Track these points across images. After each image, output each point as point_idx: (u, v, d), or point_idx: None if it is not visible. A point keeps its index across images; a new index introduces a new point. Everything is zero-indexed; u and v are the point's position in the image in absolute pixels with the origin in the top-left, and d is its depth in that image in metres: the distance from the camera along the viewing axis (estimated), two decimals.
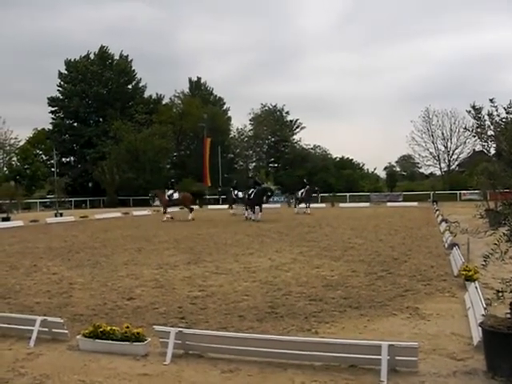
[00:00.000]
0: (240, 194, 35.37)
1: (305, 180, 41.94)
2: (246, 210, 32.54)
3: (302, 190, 38.47)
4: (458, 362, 5.80)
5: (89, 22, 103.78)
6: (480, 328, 5.77)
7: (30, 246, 19.25)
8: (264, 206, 32.01)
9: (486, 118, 5.67)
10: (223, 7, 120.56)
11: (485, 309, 6.44)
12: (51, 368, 5.96)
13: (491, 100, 5.62)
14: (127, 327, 6.47)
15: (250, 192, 31.67)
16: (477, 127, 5.79)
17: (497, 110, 5.60)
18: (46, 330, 6.99)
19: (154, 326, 6.68)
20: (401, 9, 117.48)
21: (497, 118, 5.60)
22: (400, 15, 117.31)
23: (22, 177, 65.31)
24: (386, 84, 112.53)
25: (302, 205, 38.49)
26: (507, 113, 5.56)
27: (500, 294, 5.64)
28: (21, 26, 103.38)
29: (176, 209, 38.16)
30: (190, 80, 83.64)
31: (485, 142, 5.85)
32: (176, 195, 34.09)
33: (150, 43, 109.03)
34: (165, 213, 33.24)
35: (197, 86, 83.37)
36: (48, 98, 74.00)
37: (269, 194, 33.11)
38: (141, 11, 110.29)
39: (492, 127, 5.66)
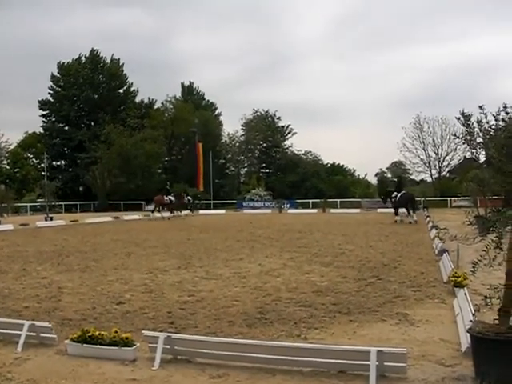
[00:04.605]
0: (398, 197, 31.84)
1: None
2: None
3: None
4: (447, 368, 5.81)
5: (82, 27, 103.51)
6: (468, 334, 5.79)
7: (20, 249, 19.15)
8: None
9: (475, 125, 5.70)
10: (215, 14, 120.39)
11: (473, 315, 6.47)
12: (39, 373, 5.92)
13: (480, 107, 5.65)
14: (116, 332, 6.44)
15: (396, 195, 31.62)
16: (466, 134, 5.82)
17: (486, 117, 5.63)
18: (34, 334, 6.94)
19: (143, 331, 6.65)
20: (393, 16, 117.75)
21: (486, 125, 5.62)
22: (392, 23, 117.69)
23: (12, 180, 65.08)
24: (377, 91, 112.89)
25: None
26: (496, 120, 5.58)
27: (488, 300, 5.67)
28: (12, 28, 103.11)
29: None
30: (182, 85, 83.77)
31: (474, 148, 5.88)
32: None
33: (142, 48, 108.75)
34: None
35: (189, 91, 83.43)
36: (39, 101, 73.70)
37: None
38: (133, 17, 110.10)
39: (481, 134, 5.69)
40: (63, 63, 73.77)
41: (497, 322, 5.57)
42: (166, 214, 40.58)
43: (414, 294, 10.03)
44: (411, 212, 30.84)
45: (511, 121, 5.53)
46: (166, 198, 41.22)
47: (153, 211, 41.43)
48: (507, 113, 5.58)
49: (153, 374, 5.87)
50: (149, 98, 79.40)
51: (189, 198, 45.20)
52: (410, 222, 29.84)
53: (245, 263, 14.52)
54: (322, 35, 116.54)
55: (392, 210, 33.14)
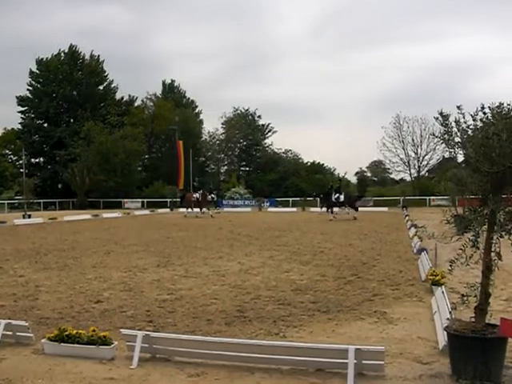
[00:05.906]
0: (341, 198, 35.91)
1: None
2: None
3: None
4: (424, 366, 5.86)
5: (62, 23, 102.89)
6: (445, 332, 5.84)
7: None
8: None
9: (453, 124, 5.73)
10: (196, 12, 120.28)
11: (450, 313, 6.52)
12: (15, 372, 5.85)
13: (458, 107, 5.68)
14: (94, 330, 6.39)
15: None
16: (444, 134, 5.85)
17: (464, 117, 5.67)
18: (11, 333, 6.85)
19: (121, 330, 6.61)
20: (373, 17, 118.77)
21: (464, 125, 5.66)
22: (372, 23, 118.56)
23: None
24: (357, 90, 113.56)
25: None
26: (474, 120, 5.62)
27: (465, 299, 5.72)
28: None
29: None
30: (163, 82, 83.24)
31: (452, 148, 5.91)
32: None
33: (123, 46, 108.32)
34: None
35: (170, 89, 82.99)
36: (17, 97, 72.74)
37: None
38: (115, 14, 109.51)
39: (459, 134, 5.72)
40: (42, 59, 72.85)
41: (473, 319, 5.63)
42: (196, 210, 41.28)
43: (393, 292, 10.10)
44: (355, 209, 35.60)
45: (489, 121, 5.58)
46: (193, 196, 42.21)
47: (187, 208, 42.24)
48: (485, 113, 5.62)
49: (131, 372, 5.84)
50: (129, 96, 79.12)
51: (212, 195, 45.41)
52: (355, 218, 33.62)
53: (224, 261, 14.51)
54: (302, 34, 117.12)
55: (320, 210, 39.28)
